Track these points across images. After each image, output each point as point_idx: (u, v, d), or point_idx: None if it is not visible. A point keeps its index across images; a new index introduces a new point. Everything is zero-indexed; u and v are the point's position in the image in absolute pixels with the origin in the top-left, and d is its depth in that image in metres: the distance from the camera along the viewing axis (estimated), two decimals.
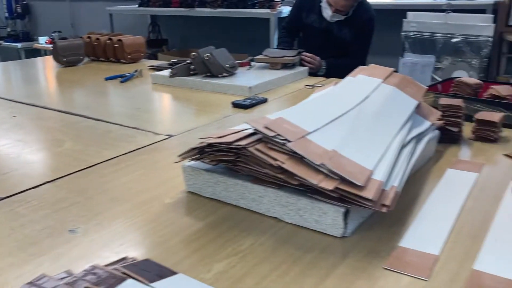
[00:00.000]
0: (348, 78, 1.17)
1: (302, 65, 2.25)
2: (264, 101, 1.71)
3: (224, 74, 1.96)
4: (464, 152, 1.19)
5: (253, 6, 3.41)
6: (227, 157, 0.83)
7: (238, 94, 1.81)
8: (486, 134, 1.22)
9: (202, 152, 0.87)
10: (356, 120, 0.96)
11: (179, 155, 0.91)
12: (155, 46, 4.67)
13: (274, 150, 0.79)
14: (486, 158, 1.14)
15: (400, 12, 3.08)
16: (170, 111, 1.74)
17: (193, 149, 0.88)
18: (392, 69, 1.17)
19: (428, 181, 1.00)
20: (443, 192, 0.94)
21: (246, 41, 3.65)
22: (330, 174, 0.75)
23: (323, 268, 0.70)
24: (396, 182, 0.81)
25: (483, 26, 2.73)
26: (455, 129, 1.20)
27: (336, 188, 0.73)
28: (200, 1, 3.67)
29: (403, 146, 0.95)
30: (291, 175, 0.75)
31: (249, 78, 1.96)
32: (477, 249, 0.74)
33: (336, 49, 2.55)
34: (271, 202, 0.84)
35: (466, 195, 0.92)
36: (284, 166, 0.75)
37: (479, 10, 2.92)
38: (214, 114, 1.59)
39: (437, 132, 1.15)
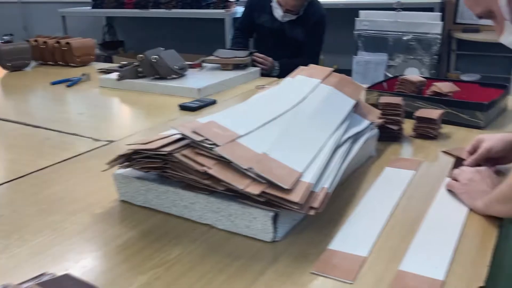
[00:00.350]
0: (288, 79, 1.16)
1: (254, 65, 2.24)
2: (213, 102, 1.69)
3: (173, 76, 1.92)
4: (405, 150, 1.20)
5: (207, 6, 3.38)
6: (155, 163, 0.80)
7: (187, 96, 1.78)
8: (426, 131, 1.24)
9: (130, 159, 0.84)
10: (291, 121, 0.95)
11: (107, 163, 0.88)
12: (111, 48, 4.56)
13: (202, 155, 0.77)
14: (425, 155, 1.15)
15: (353, 11, 3.12)
16: (114, 115, 1.69)
17: (121, 156, 0.85)
18: (331, 69, 1.17)
19: (366, 180, 1.00)
20: (378, 191, 0.94)
21: (203, 42, 3.62)
22: (258, 178, 0.73)
23: (250, 275, 0.68)
24: (327, 183, 0.81)
25: (432, 24, 2.79)
26: (395, 127, 1.21)
27: (263, 192, 0.72)
28: (155, 2, 3.61)
29: (338, 146, 0.95)
30: (217, 180, 0.73)
31: (199, 79, 1.93)
32: (405, 249, 0.74)
33: (290, 49, 2.54)
34: (203, 209, 0.81)
35: (401, 194, 0.93)
36: (210, 171, 0.73)
37: (428, 8, 2.99)
38: (160, 117, 1.55)
39: (376, 131, 1.15)
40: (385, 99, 1.24)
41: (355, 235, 0.77)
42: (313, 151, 0.86)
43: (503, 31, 0.83)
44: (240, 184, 0.72)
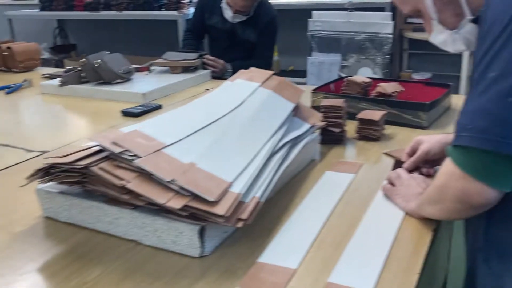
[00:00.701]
0: (226, 82, 1.13)
1: (204, 68, 2.19)
2: (158, 107, 1.63)
3: (118, 81, 1.85)
4: (347, 152, 1.19)
5: (160, 8, 3.31)
6: (73, 178, 0.75)
7: (132, 101, 1.72)
8: (368, 133, 1.23)
9: (48, 173, 0.78)
10: (226, 128, 0.91)
11: (26, 177, 0.81)
12: (62, 52, 4.41)
13: (122, 168, 0.72)
14: (367, 157, 1.14)
15: (307, 12, 3.12)
16: (53, 124, 1.60)
17: (39, 170, 0.79)
18: (271, 72, 1.14)
19: (305, 186, 0.98)
20: (316, 197, 0.92)
21: (157, 44, 3.54)
22: (181, 191, 0.69)
23: None
24: (259, 192, 0.77)
25: (383, 24, 2.82)
26: (337, 130, 1.20)
27: (186, 206, 0.68)
28: (105, 4, 3.51)
29: (274, 152, 0.92)
30: (137, 195, 0.69)
31: (145, 83, 1.87)
32: (337, 259, 0.71)
33: (243, 51, 2.51)
34: (128, 224, 0.77)
35: (338, 199, 0.91)
36: (128, 185, 0.69)
37: (379, 8, 3.02)
38: (102, 124, 1.49)
39: (317, 134, 1.13)
40: (326, 101, 1.23)
41: (287, 246, 0.74)
42: (246, 159, 0.83)
43: (432, 30, 0.82)
44: (162, 198, 0.68)
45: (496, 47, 0.62)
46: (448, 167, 0.68)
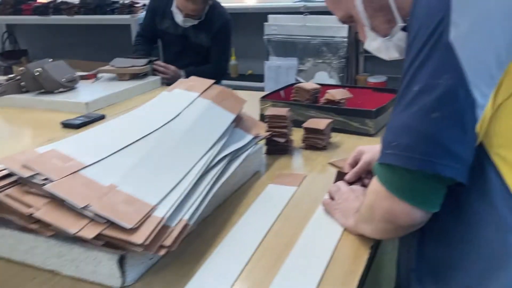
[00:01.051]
0: (164, 93, 1.07)
1: (154, 75, 2.12)
2: (101, 118, 1.56)
3: (61, 90, 1.77)
4: (293, 163, 1.15)
5: (112, 12, 3.21)
6: None
7: (74, 111, 1.63)
8: (314, 142, 1.20)
9: None
10: (157, 143, 0.86)
11: None
12: (12, 58, 4.22)
13: (33, 193, 0.66)
14: (312, 168, 1.11)
15: (263, 16, 3.08)
16: None
17: None
18: (212, 81, 1.10)
19: (245, 201, 0.93)
20: (254, 214, 0.88)
21: (111, 49, 3.43)
22: (96, 218, 0.63)
23: None
24: (188, 214, 0.72)
25: (338, 28, 2.82)
26: (282, 140, 1.16)
27: (101, 234, 0.62)
28: (55, 8, 3.37)
29: (211, 168, 0.87)
30: (47, 224, 0.63)
31: (90, 92, 1.79)
32: (269, 282, 0.67)
33: (196, 56, 2.45)
34: (45, 253, 0.70)
35: (277, 215, 0.87)
36: (36, 214, 0.62)
37: None
38: (39, 137, 1.40)
39: (261, 145, 1.09)
40: (271, 111, 1.19)
41: (216, 272, 0.70)
42: (176, 178, 0.77)
43: (366, 37, 0.80)
44: (73, 227, 0.62)
45: (420, 58, 0.59)
46: (375, 185, 0.65)
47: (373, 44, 0.79)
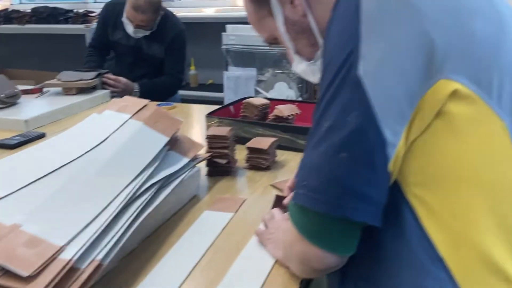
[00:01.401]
0: (93, 115, 1.01)
1: (104, 88, 2.05)
2: (41, 136, 1.48)
3: (0, 106, 1.67)
4: (235, 185, 1.11)
5: (66, 21, 3.11)
6: None
7: (14, 129, 1.54)
8: (258, 162, 1.16)
9: None
10: (77, 173, 0.80)
11: None
12: None
13: None
14: (253, 190, 1.06)
15: (221, 25, 3.04)
16: None
17: None
18: (146, 101, 1.04)
19: (177, 231, 0.88)
20: (184, 246, 0.83)
21: (67, 59, 3.33)
22: None
23: None
24: (102, 253, 0.67)
25: None
26: (223, 161, 1.11)
27: None
28: (5, 17, 3.25)
29: (137, 196, 0.82)
30: None
31: (32, 108, 1.70)
32: None
33: (149, 67, 2.39)
34: None
35: (208, 247, 0.82)
36: None
37: None
38: None
39: (197, 168, 1.04)
40: (212, 130, 1.14)
41: None
42: (92, 213, 0.72)
43: (292, 59, 0.76)
44: None
45: (331, 92, 0.55)
46: (291, 224, 0.61)
47: (299, 67, 0.76)
